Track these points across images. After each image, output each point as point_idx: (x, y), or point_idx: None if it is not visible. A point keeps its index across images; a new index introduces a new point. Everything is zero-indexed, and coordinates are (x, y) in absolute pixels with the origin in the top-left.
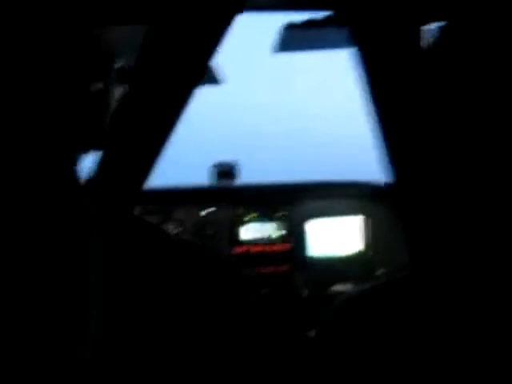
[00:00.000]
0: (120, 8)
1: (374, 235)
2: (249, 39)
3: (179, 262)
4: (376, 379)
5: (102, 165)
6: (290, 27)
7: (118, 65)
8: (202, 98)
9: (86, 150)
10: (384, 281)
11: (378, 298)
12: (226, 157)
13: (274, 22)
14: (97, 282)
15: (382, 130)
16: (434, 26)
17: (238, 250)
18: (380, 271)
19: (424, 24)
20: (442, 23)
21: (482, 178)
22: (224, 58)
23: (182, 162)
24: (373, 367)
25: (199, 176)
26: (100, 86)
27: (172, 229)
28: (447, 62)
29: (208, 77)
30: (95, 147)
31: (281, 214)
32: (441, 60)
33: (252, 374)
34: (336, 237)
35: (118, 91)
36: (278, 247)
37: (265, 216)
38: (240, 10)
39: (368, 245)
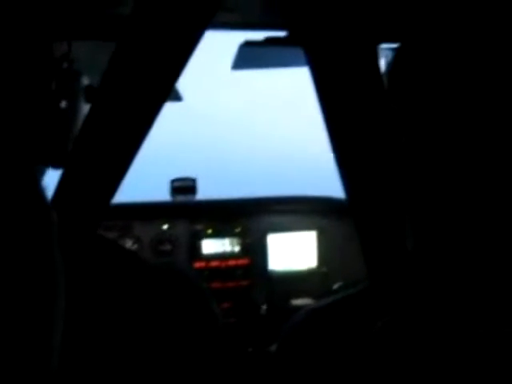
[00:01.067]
0: (86, 24)
1: (328, 250)
2: (214, 55)
3: (142, 280)
4: None
5: (65, 182)
6: (248, 45)
7: (84, 83)
8: (163, 113)
9: (50, 166)
10: (341, 295)
11: (335, 311)
12: (184, 172)
13: (239, 37)
14: (61, 297)
15: (335, 146)
16: (391, 45)
17: (198, 264)
18: (337, 285)
19: (380, 43)
20: (397, 44)
21: (432, 190)
22: (186, 75)
23: (142, 177)
24: (333, 382)
25: (158, 191)
26: (64, 104)
27: (130, 245)
28: (404, 80)
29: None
30: (60, 164)
31: (240, 228)
32: (398, 78)
33: None
34: (294, 251)
35: (84, 109)
36: (237, 262)
37: (224, 231)
38: (205, 29)
39: (323, 259)
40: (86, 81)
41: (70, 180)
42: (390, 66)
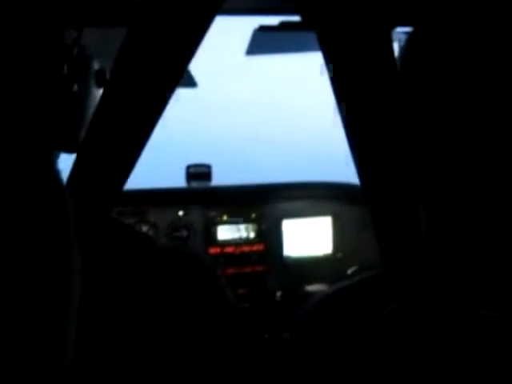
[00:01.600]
0: (97, 10)
1: (344, 235)
2: (227, 41)
3: (157, 264)
4: (350, 379)
5: (79, 167)
6: (262, 30)
7: (95, 67)
8: (177, 100)
9: (63, 150)
10: (354, 281)
11: (349, 297)
12: (200, 158)
13: (251, 24)
14: (76, 284)
15: (349, 132)
16: (405, 29)
17: (213, 250)
18: (351, 270)
19: (394, 27)
20: (412, 27)
21: (447, 177)
22: (199, 61)
23: (157, 163)
24: (346, 367)
25: (174, 178)
26: (76, 88)
27: (146, 231)
28: (416, 65)
29: (182, 80)
30: (72, 149)
31: (255, 214)
32: (410, 64)
33: (228, 375)
34: (308, 237)
35: (96, 94)
36: (252, 247)
37: (239, 217)
38: (216, 13)
39: (338, 245)
40: (96, 65)
41: (83, 165)
42: (403, 50)
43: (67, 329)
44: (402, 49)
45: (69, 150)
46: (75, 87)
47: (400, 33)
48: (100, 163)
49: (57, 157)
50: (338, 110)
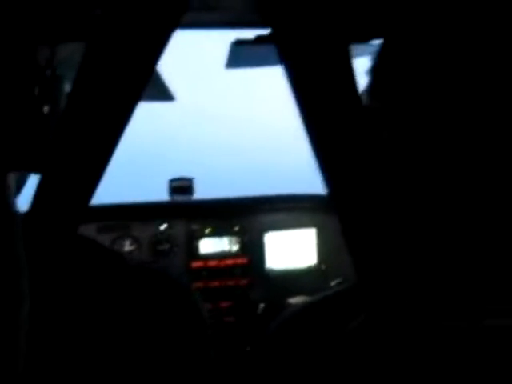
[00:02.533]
0: (69, 26)
1: (327, 247)
2: (208, 54)
3: (127, 283)
4: None
5: (43, 186)
6: (239, 43)
7: (67, 88)
8: (157, 114)
9: (31, 171)
10: (330, 292)
11: (322, 309)
12: (182, 172)
13: (231, 36)
14: (26, 297)
15: (312, 144)
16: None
17: (196, 264)
18: (334, 282)
19: (354, 42)
20: (375, 41)
21: (414, 184)
22: (178, 74)
23: (140, 177)
24: (311, 381)
25: (157, 191)
26: (47, 109)
27: (128, 245)
28: (385, 77)
29: (160, 93)
30: (39, 170)
31: (237, 227)
32: (379, 75)
33: None
34: (292, 249)
35: None
36: (235, 261)
37: (221, 230)
38: (176, 27)
39: (322, 257)
40: (68, 86)
41: (47, 183)
42: (374, 62)
43: (18, 344)
44: (372, 61)
45: (36, 171)
46: (46, 109)
47: (369, 46)
48: (64, 179)
49: (26, 177)
50: (302, 123)
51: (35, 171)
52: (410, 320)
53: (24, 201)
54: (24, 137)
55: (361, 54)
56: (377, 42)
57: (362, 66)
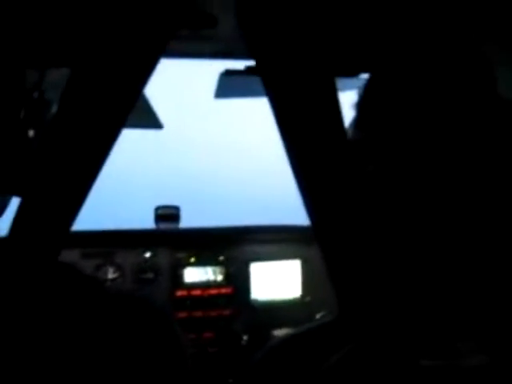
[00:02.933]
0: (57, 51)
1: (313, 279)
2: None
3: (106, 310)
4: None
5: (23, 210)
6: (228, 74)
7: (54, 111)
8: (145, 141)
9: (12, 195)
10: (314, 325)
11: (304, 342)
12: (168, 200)
13: (220, 66)
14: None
15: (296, 175)
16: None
17: (180, 293)
18: (320, 315)
19: (342, 75)
20: (362, 75)
21: (397, 218)
22: (167, 102)
23: (125, 205)
24: None
25: (142, 219)
26: (32, 133)
27: (111, 272)
28: (371, 110)
29: (149, 121)
30: (17, 192)
31: (223, 257)
32: (365, 109)
33: None
34: (277, 281)
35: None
36: (220, 290)
37: (206, 259)
38: (161, 54)
39: (307, 289)
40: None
41: (27, 207)
42: (360, 96)
43: None
44: (359, 95)
45: (16, 194)
46: (31, 133)
47: (355, 80)
48: (45, 203)
49: (8, 200)
50: (286, 153)
51: (15, 194)
52: (390, 356)
53: (4, 225)
54: (5, 160)
55: (347, 88)
56: (363, 76)
57: (348, 99)
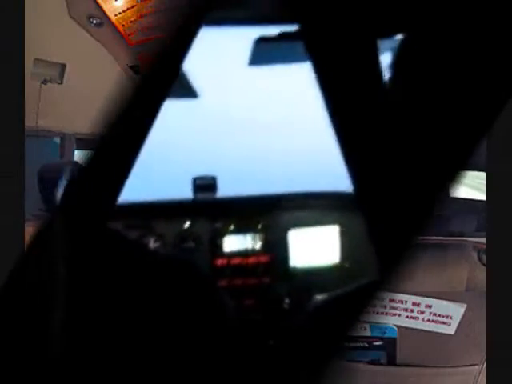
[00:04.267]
0: None
1: (351, 245)
2: (229, 52)
3: (153, 275)
4: None
5: (72, 183)
6: (262, 40)
7: None
8: (182, 111)
9: None
10: (349, 288)
11: (344, 304)
12: (205, 170)
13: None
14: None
15: (339, 141)
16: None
17: (220, 262)
18: (358, 281)
19: (384, 37)
20: (400, 36)
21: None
22: (201, 72)
23: (164, 176)
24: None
25: (181, 190)
26: None
27: (152, 242)
28: (405, 73)
29: (185, 91)
30: None
31: (261, 225)
32: (400, 71)
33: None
34: (316, 247)
35: None
36: (259, 258)
37: (245, 228)
38: (201, 22)
39: (345, 255)
40: None
41: (76, 180)
42: (395, 57)
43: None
44: (393, 56)
45: None
46: None
47: (391, 41)
48: (91, 177)
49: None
50: (329, 121)
51: None
52: None
53: None
54: None
55: (383, 50)
56: (398, 37)
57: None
